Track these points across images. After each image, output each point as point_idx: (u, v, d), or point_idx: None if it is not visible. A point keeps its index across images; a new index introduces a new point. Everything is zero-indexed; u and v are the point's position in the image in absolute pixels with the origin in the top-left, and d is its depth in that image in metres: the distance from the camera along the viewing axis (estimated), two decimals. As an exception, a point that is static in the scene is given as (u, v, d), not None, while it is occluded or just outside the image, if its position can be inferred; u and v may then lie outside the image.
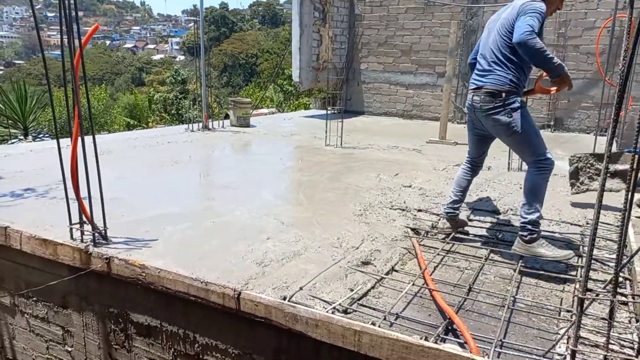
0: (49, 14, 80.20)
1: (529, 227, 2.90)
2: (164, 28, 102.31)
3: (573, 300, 2.53)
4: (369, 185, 4.66)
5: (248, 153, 6.59)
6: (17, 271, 3.43)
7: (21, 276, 3.43)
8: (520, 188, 4.66)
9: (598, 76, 7.65)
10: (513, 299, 2.54)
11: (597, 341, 2.15)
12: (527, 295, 2.62)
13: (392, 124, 9.19)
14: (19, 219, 3.43)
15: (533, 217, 2.90)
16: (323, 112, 8.42)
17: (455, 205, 3.40)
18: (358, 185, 4.68)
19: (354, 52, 10.24)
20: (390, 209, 3.96)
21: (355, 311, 2.38)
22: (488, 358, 2.01)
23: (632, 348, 2.11)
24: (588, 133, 7.90)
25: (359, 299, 2.50)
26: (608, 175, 3.97)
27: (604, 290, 2.53)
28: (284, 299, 2.41)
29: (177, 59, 57.22)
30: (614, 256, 2.92)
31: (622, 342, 2.17)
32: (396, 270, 2.89)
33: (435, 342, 2.09)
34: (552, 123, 8.40)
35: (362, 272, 2.79)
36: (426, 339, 2.10)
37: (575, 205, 4.13)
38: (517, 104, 2.95)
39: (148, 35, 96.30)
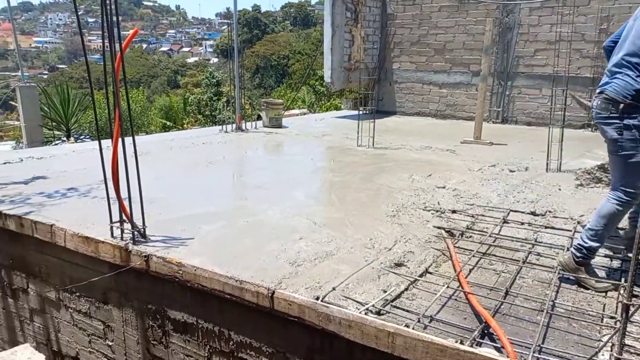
0: (90, 19, 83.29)
1: (585, 252, 2.67)
2: (198, 31, 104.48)
3: (617, 306, 2.44)
4: (402, 186, 4.62)
5: (280, 154, 6.65)
6: (62, 267, 3.59)
7: (66, 272, 3.58)
8: (560, 190, 4.55)
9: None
10: (552, 303, 2.47)
11: (642, 349, 2.06)
12: (567, 300, 2.54)
13: (425, 124, 9.08)
14: (63, 217, 3.58)
15: (593, 245, 2.65)
16: (355, 112, 8.41)
17: None
18: (390, 186, 4.64)
19: (386, 52, 10.17)
20: (423, 210, 3.92)
21: (389, 313, 2.37)
22: (526, 364, 1.96)
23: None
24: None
25: (392, 301, 2.48)
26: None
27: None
28: (317, 298, 2.42)
29: (211, 62, 58.32)
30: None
31: (670, 351, 2.07)
32: (430, 273, 2.85)
33: (471, 346, 2.05)
34: (592, 122, 8.08)
35: (395, 273, 2.77)
36: (461, 343, 2.07)
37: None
38: (636, 122, 2.43)
39: (183, 38, 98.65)
